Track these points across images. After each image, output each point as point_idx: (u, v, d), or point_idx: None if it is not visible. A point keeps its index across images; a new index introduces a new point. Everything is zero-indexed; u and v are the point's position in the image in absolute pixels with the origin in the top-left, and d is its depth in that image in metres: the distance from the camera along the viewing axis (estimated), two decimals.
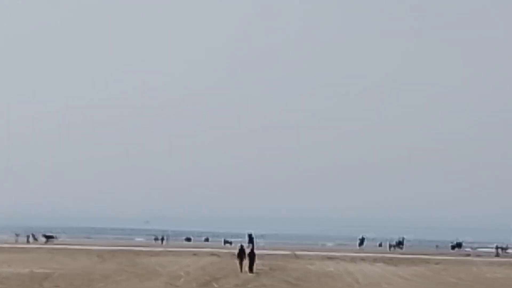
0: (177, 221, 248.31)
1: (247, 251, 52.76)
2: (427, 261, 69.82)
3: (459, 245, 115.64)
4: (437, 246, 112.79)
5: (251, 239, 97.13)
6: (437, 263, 67.42)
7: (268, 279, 44.86)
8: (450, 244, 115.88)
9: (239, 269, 50.25)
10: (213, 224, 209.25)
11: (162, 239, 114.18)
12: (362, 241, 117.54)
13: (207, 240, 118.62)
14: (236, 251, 55.36)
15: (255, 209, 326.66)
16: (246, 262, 50.89)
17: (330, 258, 70.34)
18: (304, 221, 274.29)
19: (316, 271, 53.07)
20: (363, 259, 70.32)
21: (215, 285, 39.67)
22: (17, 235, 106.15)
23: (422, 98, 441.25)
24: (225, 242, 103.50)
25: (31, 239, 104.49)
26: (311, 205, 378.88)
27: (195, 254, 70.79)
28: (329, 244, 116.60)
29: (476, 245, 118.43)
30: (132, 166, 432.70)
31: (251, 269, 49.98)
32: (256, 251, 58.71)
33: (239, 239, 76.23)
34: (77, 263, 53.12)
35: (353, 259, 69.42)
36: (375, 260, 69.42)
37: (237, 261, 51.88)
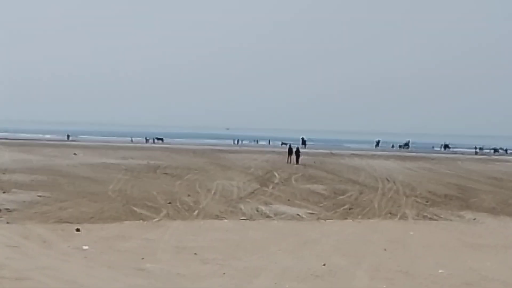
0: (249, 129, 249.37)
1: (294, 149, 53.31)
2: (426, 158, 69.53)
3: (447, 146, 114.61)
4: (432, 147, 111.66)
5: (303, 141, 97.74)
6: (433, 159, 67.14)
7: (313, 169, 45.18)
8: (441, 146, 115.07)
9: (287, 161, 51.00)
10: (274, 131, 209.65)
11: (238, 141, 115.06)
12: (378, 143, 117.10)
13: (269, 142, 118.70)
14: (286, 149, 56.29)
15: (306, 123, 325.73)
16: (293, 157, 51.49)
17: (356, 155, 70.32)
18: (338, 132, 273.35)
19: (346, 163, 53.21)
20: (379, 156, 70.25)
21: (275, 173, 40.04)
22: (131, 138, 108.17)
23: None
24: (282, 143, 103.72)
25: (149, 141, 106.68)
26: (343, 120, 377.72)
27: (261, 152, 71.34)
28: (355, 145, 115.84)
29: (460, 147, 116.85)
30: (217, 88, 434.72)
31: (297, 161, 50.59)
32: (304, 150, 59.24)
33: (293, 142, 76.46)
34: (179, 158, 53.96)
35: (372, 156, 69.33)
36: (388, 157, 69.25)
37: (286, 156, 52.78)
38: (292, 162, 50.71)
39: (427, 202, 27.20)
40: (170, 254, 14.72)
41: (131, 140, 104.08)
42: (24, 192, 25.64)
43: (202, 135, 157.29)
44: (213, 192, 28.24)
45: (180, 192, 27.50)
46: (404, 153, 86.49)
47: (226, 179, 34.41)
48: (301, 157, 51.77)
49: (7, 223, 18.48)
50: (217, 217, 21.35)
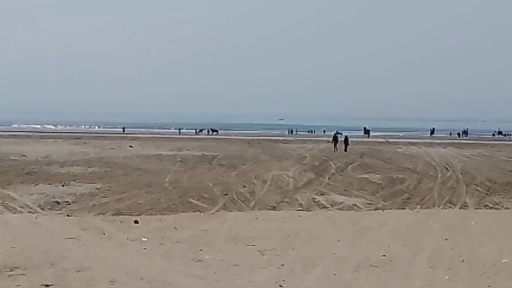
0: (303, 119, 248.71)
1: (342, 137, 53.69)
2: (484, 145, 68.27)
3: (500, 133, 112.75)
4: (493, 134, 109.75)
5: (366, 131, 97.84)
6: (492, 146, 65.88)
7: (369, 158, 44.89)
8: (494, 132, 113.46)
9: (334, 150, 51.11)
10: (329, 120, 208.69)
11: (292, 131, 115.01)
12: (432, 130, 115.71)
13: (324, 131, 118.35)
14: (332, 137, 56.68)
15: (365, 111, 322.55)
16: (341, 145, 51.79)
17: (412, 143, 69.51)
18: (391, 121, 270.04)
19: (402, 152, 52.74)
20: (437, 144, 69.25)
21: (331, 163, 39.89)
22: (180, 129, 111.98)
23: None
24: (337, 133, 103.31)
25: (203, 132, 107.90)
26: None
27: (315, 141, 71.16)
28: (409, 133, 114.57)
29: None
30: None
31: (345, 149, 50.78)
32: (360, 140, 58.78)
33: (352, 131, 76.04)
34: (233, 148, 54.30)
35: (429, 144, 68.46)
36: (446, 144, 68.28)
37: (332, 144, 53.03)
38: (339, 150, 50.85)
39: (487, 190, 26.67)
40: (227, 244, 14.86)
41: (179, 132, 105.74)
42: (82, 185, 26.29)
43: (256, 125, 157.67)
44: (268, 182, 28.32)
45: (235, 183, 27.67)
46: (461, 140, 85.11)
47: (282, 170, 34.47)
48: (349, 146, 51.89)
49: (67, 215, 18.95)
50: (273, 208, 21.39)
